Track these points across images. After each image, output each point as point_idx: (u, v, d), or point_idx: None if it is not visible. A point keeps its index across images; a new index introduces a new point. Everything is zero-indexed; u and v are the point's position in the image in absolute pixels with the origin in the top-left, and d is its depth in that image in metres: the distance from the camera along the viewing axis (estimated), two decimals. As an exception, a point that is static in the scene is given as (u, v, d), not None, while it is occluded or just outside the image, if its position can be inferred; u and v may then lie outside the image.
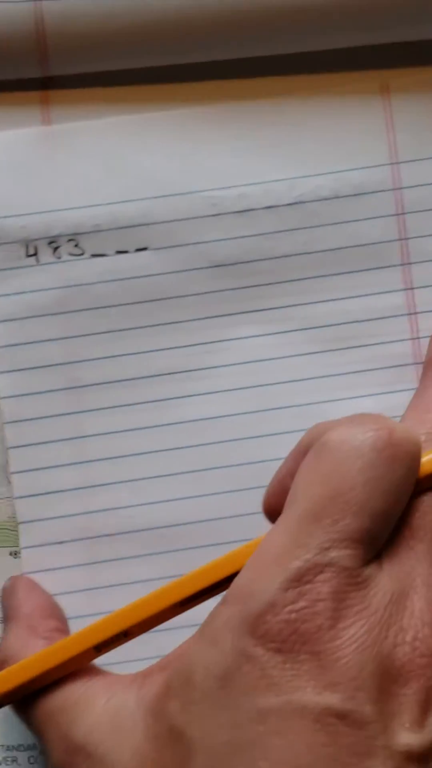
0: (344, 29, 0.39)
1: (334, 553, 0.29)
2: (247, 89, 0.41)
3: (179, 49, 0.39)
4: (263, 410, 0.41)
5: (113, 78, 0.40)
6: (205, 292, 0.41)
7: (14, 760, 0.40)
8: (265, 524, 0.34)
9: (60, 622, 0.38)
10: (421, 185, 0.41)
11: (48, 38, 0.39)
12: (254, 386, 0.41)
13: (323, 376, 0.41)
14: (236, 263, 0.41)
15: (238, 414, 0.41)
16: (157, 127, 0.41)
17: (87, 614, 0.39)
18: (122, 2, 0.38)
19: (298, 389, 0.41)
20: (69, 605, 0.39)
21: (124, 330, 0.41)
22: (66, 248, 0.41)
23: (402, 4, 0.39)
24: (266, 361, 0.41)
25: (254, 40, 0.39)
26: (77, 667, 0.33)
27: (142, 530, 0.41)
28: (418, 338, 0.41)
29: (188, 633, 0.32)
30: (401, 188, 0.41)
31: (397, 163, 0.41)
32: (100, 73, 0.40)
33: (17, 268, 0.41)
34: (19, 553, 0.41)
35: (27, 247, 0.41)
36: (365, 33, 0.39)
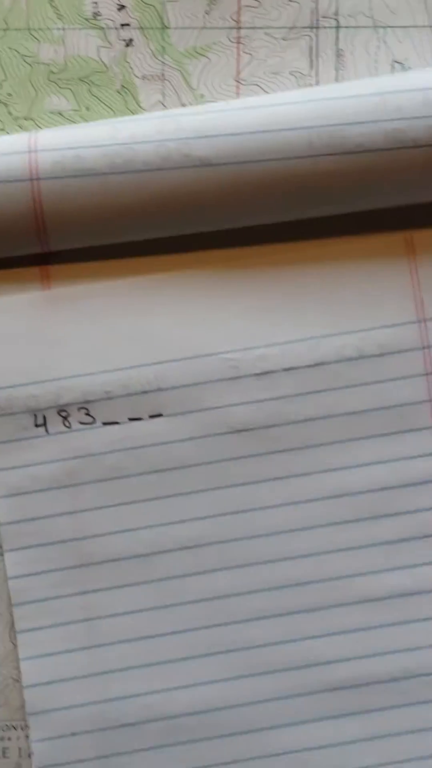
0: (369, 194, 0.37)
1: None
2: (263, 253, 0.39)
3: (189, 222, 0.37)
4: (288, 585, 0.38)
5: (114, 250, 0.38)
6: (225, 460, 0.39)
7: None
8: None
9: None
10: (451, 340, 0.39)
11: (46, 216, 0.37)
12: (278, 559, 0.38)
13: (352, 548, 0.38)
14: (256, 428, 0.39)
15: (261, 590, 0.38)
16: (168, 289, 0.39)
17: None
18: (118, 179, 0.36)
19: (325, 562, 0.38)
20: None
21: (138, 502, 0.38)
22: (76, 417, 0.39)
23: (426, 167, 0.37)
24: (291, 532, 0.38)
25: (269, 209, 0.37)
26: None
27: (160, 719, 0.38)
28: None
29: None
30: (430, 347, 0.39)
31: (425, 320, 0.39)
32: (100, 246, 0.38)
33: (25, 439, 0.38)
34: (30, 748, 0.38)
35: (35, 416, 0.38)
36: (389, 196, 0.37)
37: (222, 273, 0.39)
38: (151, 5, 0.39)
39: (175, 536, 0.38)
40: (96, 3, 0.39)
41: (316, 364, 0.39)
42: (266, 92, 0.39)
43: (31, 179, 0.36)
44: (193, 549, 0.38)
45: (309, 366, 0.39)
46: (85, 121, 0.39)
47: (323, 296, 0.39)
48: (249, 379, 0.39)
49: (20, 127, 0.39)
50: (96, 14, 0.39)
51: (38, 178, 0.36)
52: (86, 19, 0.39)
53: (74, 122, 0.39)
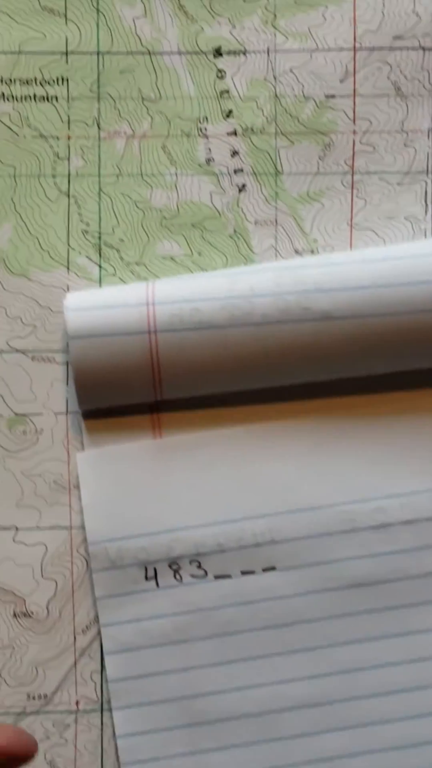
0: None
1: None
2: (380, 401, 0.38)
3: (305, 372, 0.36)
4: (407, 746, 0.37)
5: (225, 397, 0.37)
6: (341, 615, 0.37)
7: None
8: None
9: None
10: None
11: (162, 368, 0.36)
12: (396, 719, 0.37)
13: None
14: (374, 583, 0.37)
15: (380, 751, 0.37)
16: (281, 438, 0.38)
17: None
18: (236, 332, 0.36)
19: (447, 725, 0.37)
20: None
21: (251, 659, 0.37)
22: (188, 570, 0.37)
23: None
24: (411, 691, 0.37)
25: (389, 360, 0.36)
26: None
27: None
28: None
29: None
30: None
31: None
32: (210, 395, 0.38)
33: (134, 593, 0.37)
34: None
35: (146, 569, 0.37)
36: None
37: (337, 421, 0.38)
38: (264, 151, 0.39)
39: (289, 695, 0.37)
40: (209, 149, 0.39)
41: (436, 517, 0.37)
42: (380, 237, 0.39)
43: (149, 332, 0.36)
44: (309, 708, 0.37)
45: (429, 519, 0.37)
46: (198, 266, 0.39)
47: (443, 446, 0.38)
48: (366, 531, 0.37)
49: (132, 272, 0.39)
50: (209, 160, 0.39)
51: (155, 331, 0.36)
52: (199, 165, 0.39)
53: (186, 267, 0.39)
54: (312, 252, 0.39)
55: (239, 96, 0.38)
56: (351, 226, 0.39)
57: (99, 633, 0.38)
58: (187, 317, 0.36)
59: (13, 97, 0.38)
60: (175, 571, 0.37)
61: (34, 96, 0.38)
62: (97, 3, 0.38)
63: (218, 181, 0.39)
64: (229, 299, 0.36)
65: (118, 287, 0.37)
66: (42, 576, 0.39)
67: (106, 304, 0.36)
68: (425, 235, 0.39)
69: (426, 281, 0.35)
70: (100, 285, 0.39)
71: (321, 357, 0.36)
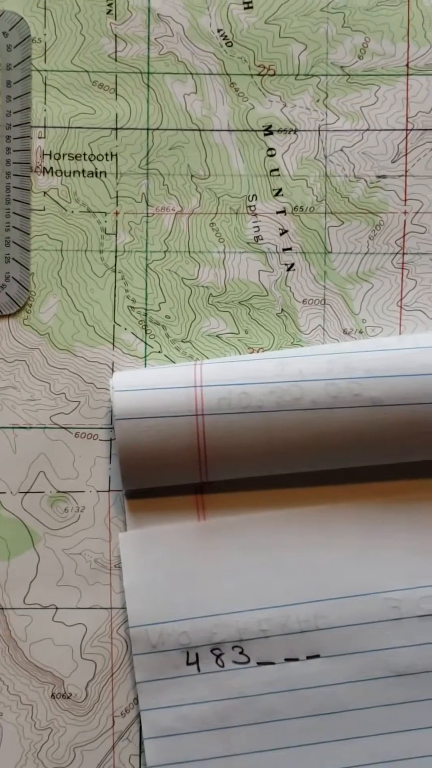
0: None
1: None
2: (428, 487, 0.37)
3: (354, 458, 0.36)
4: None
5: (270, 479, 0.37)
6: (385, 704, 0.37)
7: None
8: None
9: None
10: None
11: (208, 450, 0.36)
12: None
13: None
14: (419, 672, 0.37)
15: None
16: (327, 522, 0.37)
17: None
18: (285, 416, 0.35)
19: None
20: None
21: (294, 747, 0.36)
22: (230, 656, 0.37)
23: None
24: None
25: (429, 447, 0.36)
26: None
27: None
28: None
29: None
30: None
31: None
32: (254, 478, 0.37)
33: (176, 677, 0.37)
34: None
35: (188, 654, 0.37)
36: None
37: (383, 507, 0.37)
38: (313, 230, 0.38)
39: (331, 785, 0.36)
40: (258, 227, 0.38)
41: None
42: (430, 319, 0.38)
43: (197, 414, 0.35)
44: (352, 801, 0.36)
45: None
46: (245, 344, 0.38)
47: None
48: (412, 620, 0.37)
49: (177, 349, 0.38)
50: (257, 238, 0.38)
51: (203, 414, 0.35)
52: (248, 243, 0.38)
53: (233, 345, 0.38)
54: (360, 332, 0.38)
55: (289, 174, 0.38)
56: (401, 306, 0.38)
57: (138, 716, 0.38)
58: (236, 400, 0.35)
59: (62, 171, 0.38)
60: (218, 657, 0.37)
61: (83, 171, 0.38)
62: (148, 79, 0.38)
63: (266, 259, 0.38)
64: (278, 383, 0.35)
65: (166, 367, 0.37)
66: (81, 657, 0.38)
67: (154, 384, 0.36)
68: None
69: None
70: (146, 362, 0.38)
71: (370, 443, 0.35)
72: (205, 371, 0.36)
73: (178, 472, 0.36)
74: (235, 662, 0.37)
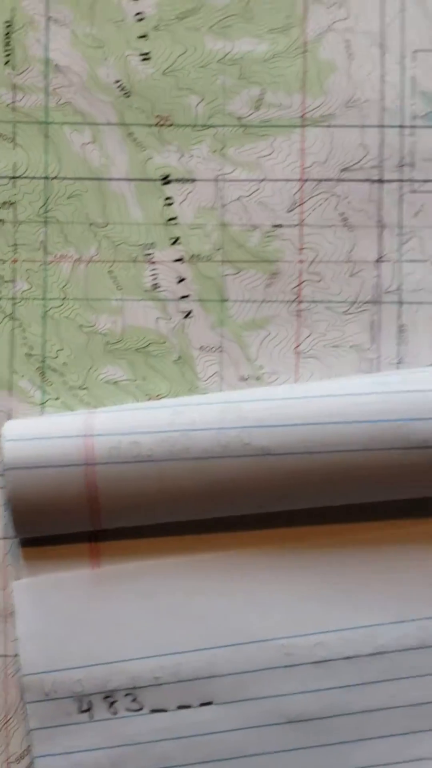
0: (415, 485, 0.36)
1: None
2: (320, 534, 0.37)
3: (244, 506, 0.36)
4: None
5: (165, 527, 0.37)
6: (280, 751, 0.37)
7: None
8: None
9: None
10: None
11: (100, 499, 0.36)
12: None
13: None
14: (313, 719, 0.37)
15: None
16: (221, 570, 0.37)
17: None
18: (176, 465, 0.35)
19: None
20: None
21: (186, 795, 0.37)
22: (123, 703, 0.37)
23: None
24: None
25: (328, 496, 0.36)
26: None
27: None
28: None
29: None
30: None
31: None
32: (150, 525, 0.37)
33: (67, 725, 0.37)
34: None
35: (80, 702, 0.37)
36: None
37: (277, 554, 0.37)
38: (210, 278, 0.38)
39: None
40: (155, 275, 0.38)
41: (377, 653, 0.37)
42: (326, 366, 0.38)
43: (86, 464, 0.36)
44: None
45: (369, 655, 0.37)
46: (142, 391, 0.38)
47: (383, 581, 0.37)
48: (306, 667, 0.37)
49: (75, 396, 0.38)
50: (155, 286, 0.39)
51: (94, 464, 0.36)
52: (145, 291, 0.38)
53: (130, 392, 0.38)
54: (258, 379, 0.39)
55: (186, 223, 0.39)
56: (297, 353, 0.39)
57: (32, 763, 0.37)
58: (126, 450, 0.36)
59: (-41, 219, 0.38)
60: (111, 704, 0.37)
61: (-19, 219, 0.39)
62: (46, 129, 0.39)
63: (164, 307, 0.39)
64: (170, 432, 0.36)
65: (59, 415, 0.37)
66: (-24, 704, 0.38)
67: (46, 434, 0.36)
68: (371, 364, 0.39)
69: (368, 421, 0.35)
70: (43, 409, 0.38)
71: (259, 492, 0.36)
72: (98, 420, 0.36)
73: (70, 521, 0.36)
74: (128, 709, 0.37)
